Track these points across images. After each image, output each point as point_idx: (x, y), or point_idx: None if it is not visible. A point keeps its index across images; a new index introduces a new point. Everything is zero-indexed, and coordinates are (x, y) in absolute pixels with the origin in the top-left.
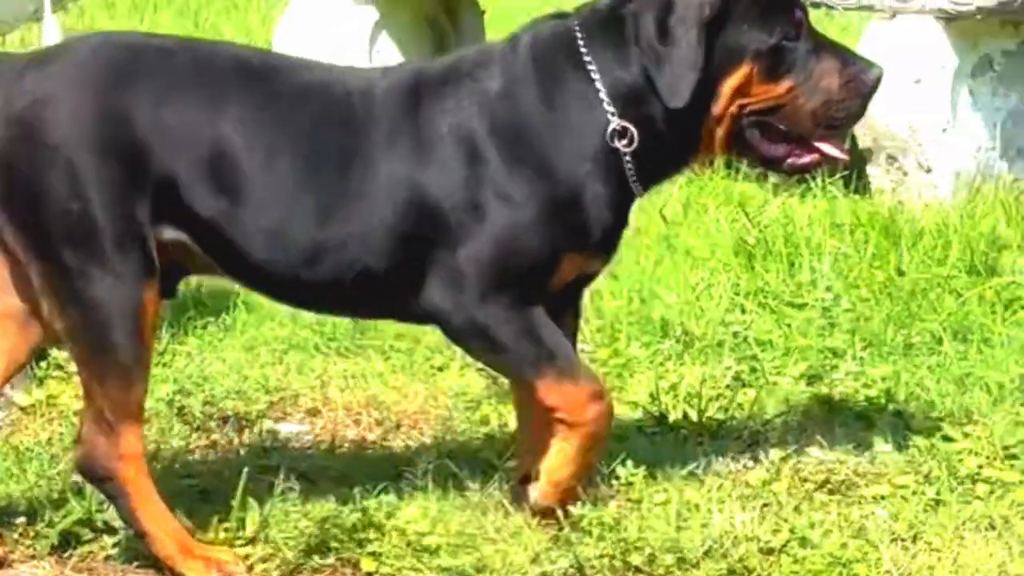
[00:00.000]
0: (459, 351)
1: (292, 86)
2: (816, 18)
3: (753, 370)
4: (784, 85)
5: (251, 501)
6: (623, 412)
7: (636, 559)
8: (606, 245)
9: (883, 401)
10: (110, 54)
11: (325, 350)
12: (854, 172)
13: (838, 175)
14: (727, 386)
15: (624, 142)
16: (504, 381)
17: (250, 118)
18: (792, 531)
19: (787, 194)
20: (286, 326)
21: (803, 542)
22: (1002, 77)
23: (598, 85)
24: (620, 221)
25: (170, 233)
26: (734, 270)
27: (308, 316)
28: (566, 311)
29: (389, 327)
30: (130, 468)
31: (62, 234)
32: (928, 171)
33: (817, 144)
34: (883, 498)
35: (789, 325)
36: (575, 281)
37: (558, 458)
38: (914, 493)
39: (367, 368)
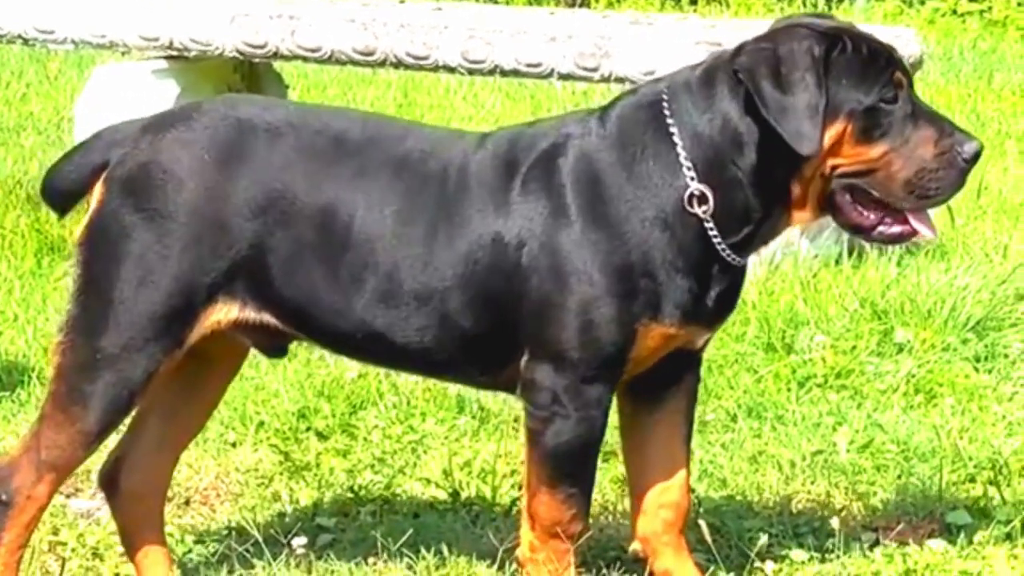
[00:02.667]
0: (254, 426)
1: (389, 158)
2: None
3: None
4: (878, 149)
5: None
6: (416, 489)
7: None
8: (698, 315)
9: None
10: (223, 131)
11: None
12: None
13: None
14: (522, 462)
15: (703, 208)
16: (297, 457)
17: (344, 197)
18: None
19: None
20: None
21: None
22: None
23: (679, 149)
24: (712, 289)
25: (251, 314)
26: None
27: None
28: (685, 375)
29: None
30: (26, 511)
31: (124, 289)
32: None
33: (909, 216)
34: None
35: None
36: (682, 354)
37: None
38: (704, 571)
39: None
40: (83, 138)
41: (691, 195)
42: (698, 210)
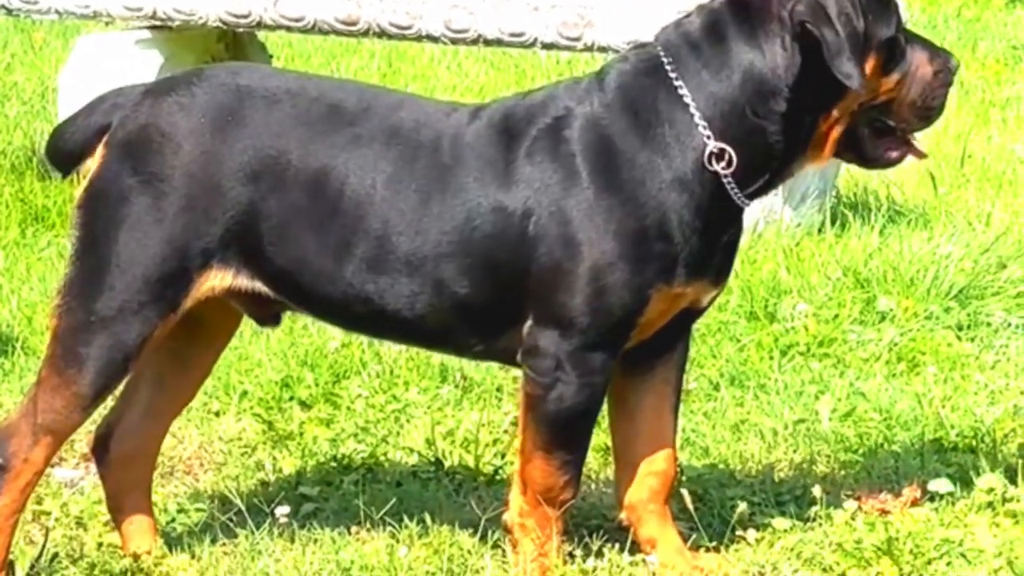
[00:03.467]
0: (237, 396)
1: (382, 127)
2: None
3: None
4: (894, 78)
5: (23, 546)
6: (399, 458)
7: None
8: (706, 270)
9: None
10: (221, 97)
11: None
12: None
13: None
14: (505, 431)
15: (723, 164)
16: (281, 427)
17: (336, 163)
18: None
19: None
20: None
21: None
22: None
23: (691, 109)
24: (720, 240)
25: (244, 282)
26: None
27: None
28: (676, 344)
29: None
30: (22, 475)
31: (120, 252)
32: None
33: (908, 137)
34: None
35: None
36: (686, 314)
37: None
38: (685, 539)
39: None
40: (67, 108)
41: (711, 153)
42: (718, 167)
